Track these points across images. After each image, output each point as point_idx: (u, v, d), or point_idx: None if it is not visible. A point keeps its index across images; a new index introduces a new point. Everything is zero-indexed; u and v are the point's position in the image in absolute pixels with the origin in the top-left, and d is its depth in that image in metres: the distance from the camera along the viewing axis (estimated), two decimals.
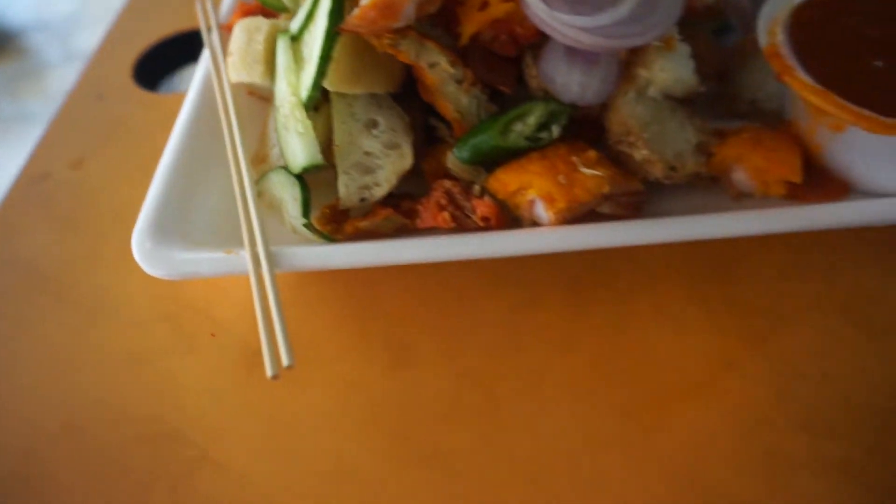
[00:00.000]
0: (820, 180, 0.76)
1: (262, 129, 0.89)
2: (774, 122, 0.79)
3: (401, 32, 0.70)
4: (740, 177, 0.75)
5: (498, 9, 0.68)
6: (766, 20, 0.75)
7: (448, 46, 0.73)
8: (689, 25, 0.81)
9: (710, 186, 0.78)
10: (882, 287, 0.73)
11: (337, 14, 0.70)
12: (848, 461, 0.63)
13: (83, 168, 1.04)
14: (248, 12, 0.95)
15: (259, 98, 0.94)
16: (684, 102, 0.77)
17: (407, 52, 0.71)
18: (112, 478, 0.70)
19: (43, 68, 4.35)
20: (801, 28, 0.74)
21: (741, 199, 0.77)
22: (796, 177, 0.71)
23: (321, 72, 0.71)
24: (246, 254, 0.70)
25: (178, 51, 1.24)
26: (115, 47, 1.25)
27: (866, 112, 0.63)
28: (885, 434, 0.64)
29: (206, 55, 0.95)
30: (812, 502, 0.61)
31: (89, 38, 4.47)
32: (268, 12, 0.90)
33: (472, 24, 0.71)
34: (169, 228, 0.74)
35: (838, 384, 0.67)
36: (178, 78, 1.24)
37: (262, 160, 0.87)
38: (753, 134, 0.74)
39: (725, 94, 0.86)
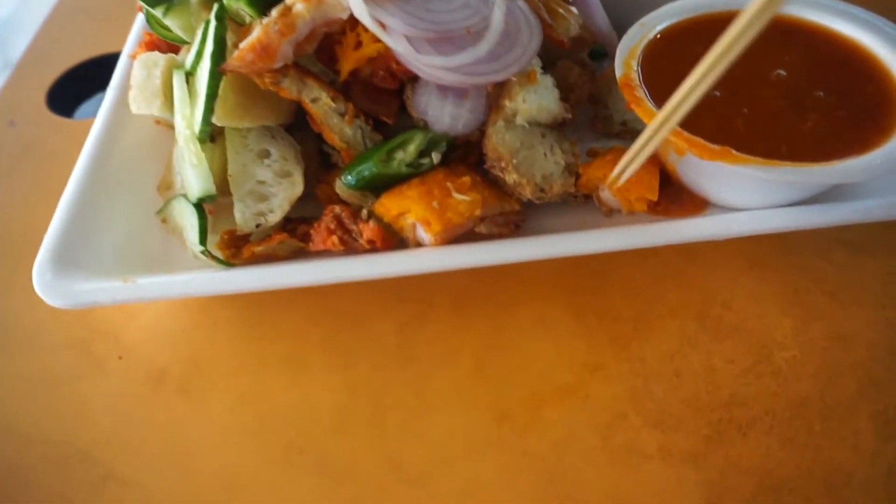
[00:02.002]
0: (680, 196, 0.83)
1: (168, 157, 0.93)
2: None
3: (282, 71, 0.75)
4: (607, 195, 0.82)
5: (370, 48, 0.74)
6: (623, 52, 0.82)
7: (330, 82, 0.79)
8: (559, 56, 0.89)
9: (583, 203, 0.85)
10: (730, 293, 0.81)
11: (219, 55, 0.75)
12: (692, 452, 0.70)
13: None
14: (152, 43, 0.99)
15: (165, 126, 0.97)
16: (555, 127, 0.84)
17: (289, 89, 0.76)
18: (19, 501, 0.74)
19: None
20: (653, 58, 0.82)
21: (611, 214, 0.84)
22: (653, 195, 0.78)
23: (209, 109, 0.76)
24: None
25: (93, 76, 1.26)
26: (27, 73, 1.26)
27: (697, 140, 0.71)
28: (722, 426, 0.71)
29: (112, 87, 0.98)
30: (661, 489, 0.69)
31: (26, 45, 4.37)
32: (171, 45, 0.94)
33: (349, 62, 0.76)
34: (69, 259, 0.78)
35: (688, 383, 0.75)
36: (93, 103, 1.26)
37: (167, 187, 0.91)
38: (616, 155, 0.81)
39: (599, 116, 0.93)
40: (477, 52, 0.72)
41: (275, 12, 0.72)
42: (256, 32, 0.72)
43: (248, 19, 0.76)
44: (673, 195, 0.83)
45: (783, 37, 0.86)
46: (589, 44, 0.92)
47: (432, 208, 0.74)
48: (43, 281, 0.75)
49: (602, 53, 0.94)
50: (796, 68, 0.81)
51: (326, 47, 0.77)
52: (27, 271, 0.91)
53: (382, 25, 0.71)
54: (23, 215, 1.02)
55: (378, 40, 0.73)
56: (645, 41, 0.84)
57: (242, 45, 0.72)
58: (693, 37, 0.85)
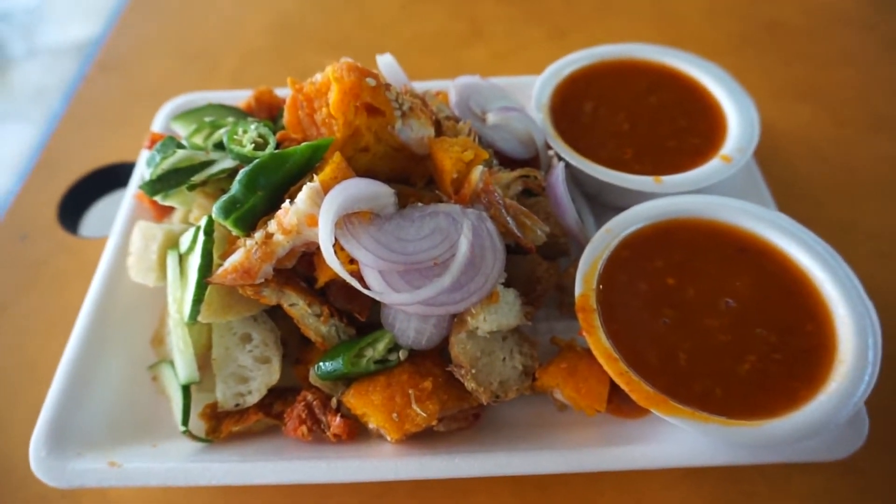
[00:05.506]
0: (629, 398, 0.89)
1: (161, 310, 1.00)
2: None
3: (262, 284, 0.81)
4: (560, 397, 0.88)
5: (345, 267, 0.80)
6: (586, 264, 0.87)
7: (306, 288, 0.85)
8: (527, 256, 0.94)
9: (540, 395, 0.91)
10: (663, 501, 0.87)
11: (205, 268, 0.81)
12: None
13: (5, 316, 1.13)
14: (156, 140, 1.03)
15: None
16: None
17: (269, 297, 0.82)
18: None
19: (6, 63, 4.34)
20: (614, 273, 0.87)
21: (564, 409, 0.90)
22: (601, 407, 0.84)
23: (195, 311, 0.83)
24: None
25: (100, 184, 1.34)
26: (39, 183, 1.33)
27: (637, 383, 0.77)
28: None
29: (114, 233, 1.05)
30: None
31: (53, 34, 4.45)
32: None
33: (324, 275, 0.82)
34: (63, 433, 0.84)
35: None
36: (98, 211, 1.32)
37: (160, 341, 0.98)
38: (570, 364, 0.86)
39: (566, 303, 0.99)
40: (441, 283, 0.78)
41: (258, 237, 0.79)
42: (239, 256, 0.78)
43: (234, 231, 0.82)
44: (624, 395, 0.89)
45: (738, 255, 0.91)
46: (559, 237, 0.97)
47: (392, 420, 0.81)
48: (38, 458, 0.82)
49: (562, 253, 1.00)
50: (745, 297, 0.86)
51: (306, 256, 0.84)
52: (27, 409, 0.98)
53: (354, 260, 0.77)
54: (29, 342, 1.09)
55: (352, 260, 0.80)
56: (608, 251, 0.90)
57: (226, 264, 0.79)
58: (656, 247, 0.90)
